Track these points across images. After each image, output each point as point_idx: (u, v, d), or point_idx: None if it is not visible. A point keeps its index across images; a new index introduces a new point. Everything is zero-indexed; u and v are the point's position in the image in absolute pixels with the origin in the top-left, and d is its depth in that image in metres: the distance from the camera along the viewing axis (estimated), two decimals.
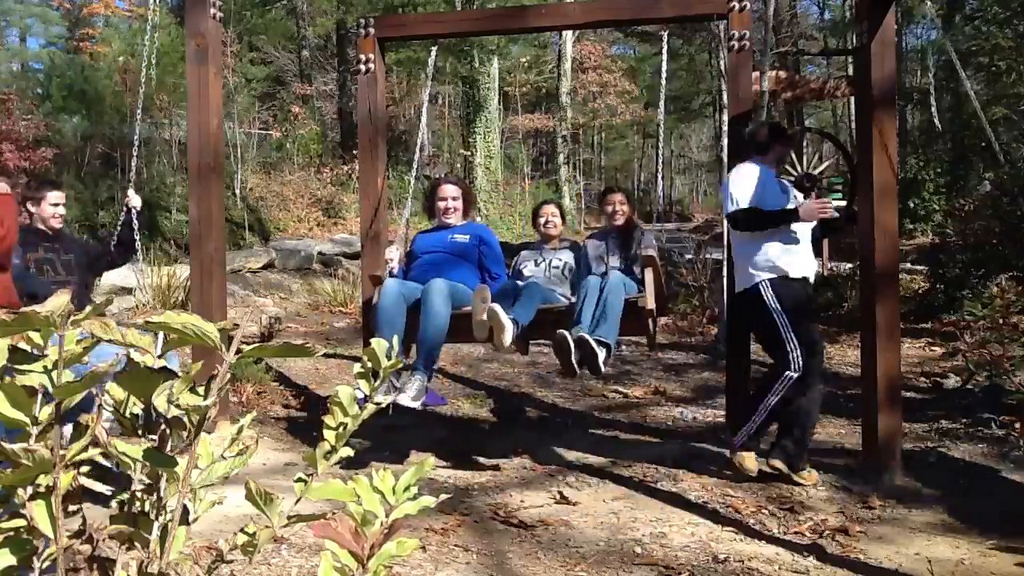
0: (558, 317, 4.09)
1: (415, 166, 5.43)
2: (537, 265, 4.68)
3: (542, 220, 4.84)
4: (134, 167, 4.91)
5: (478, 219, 4.63)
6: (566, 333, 3.88)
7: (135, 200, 4.56)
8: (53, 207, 4.25)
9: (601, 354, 3.85)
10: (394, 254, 4.55)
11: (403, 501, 1.11)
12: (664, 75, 5.07)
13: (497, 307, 3.84)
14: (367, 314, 4.64)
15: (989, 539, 3.29)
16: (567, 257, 4.69)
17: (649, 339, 4.29)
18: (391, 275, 4.39)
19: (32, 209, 4.23)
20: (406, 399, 3.85)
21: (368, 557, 1.01)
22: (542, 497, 3.82)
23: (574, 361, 3.85)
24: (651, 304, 3.98)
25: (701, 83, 26.39)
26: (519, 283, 4.35)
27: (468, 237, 4.56)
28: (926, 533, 3.38)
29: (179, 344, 1.04)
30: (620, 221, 4.71)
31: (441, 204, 4.67)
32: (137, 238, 4.53)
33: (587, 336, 3.84)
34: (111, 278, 7.86)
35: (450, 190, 4.70)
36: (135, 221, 4.50)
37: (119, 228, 4.61)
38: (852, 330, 7.44)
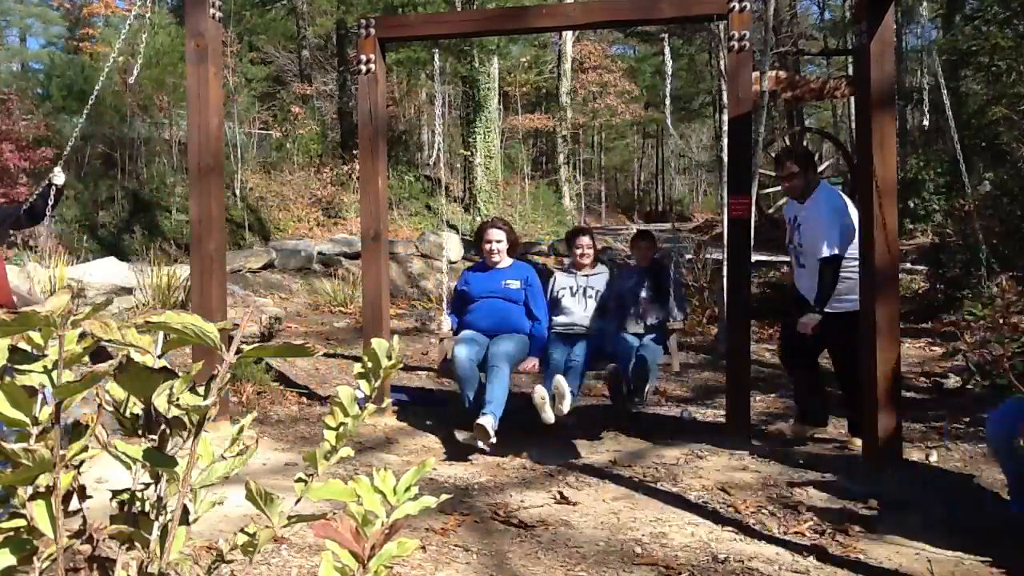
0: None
1: (433, 167, 5.48)
2: (574, 295, 5.17)
3: (578, 252, 5.28)
4: (70, 147, 4.94)
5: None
6: (618, 368, 4.73)
7: (59, 177, 4.53)
8: None
9: (646, 387, 4.66)
10: (447, 324, 5.10)
11: (404, 501, 1.11)
12: (669, 77, 5.09)
13: (564, 383, 4.43)
14: (446, 372, 5.09)
15: (989, 539, 3.29)
16: (599, 284, 5.20)
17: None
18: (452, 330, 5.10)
19: None
20: (488, 422, 4.38)
21: (369, 557, 1.01)
22: (542, 497, 3.82)
23: (624, 391, 4.78)
24: (675, 368, 5.00)
25: (701, 83, 26.40)
26: (568, 355, 4.85)
27: (519, 283, 5.04)
28: (926, 533, 3.38)
29: (179, 344, 1.04)
30: (645, 264, 5.25)
31: (487, 247, 5.12)
32: (49, 213, 4.49)
33: (631, 376, 4.65)
34: (111, 278, 7.87)
35: (495, 234, 5.13)
36: (51, 197, 4.46)
37: (35, 196, 4.57)
38: None
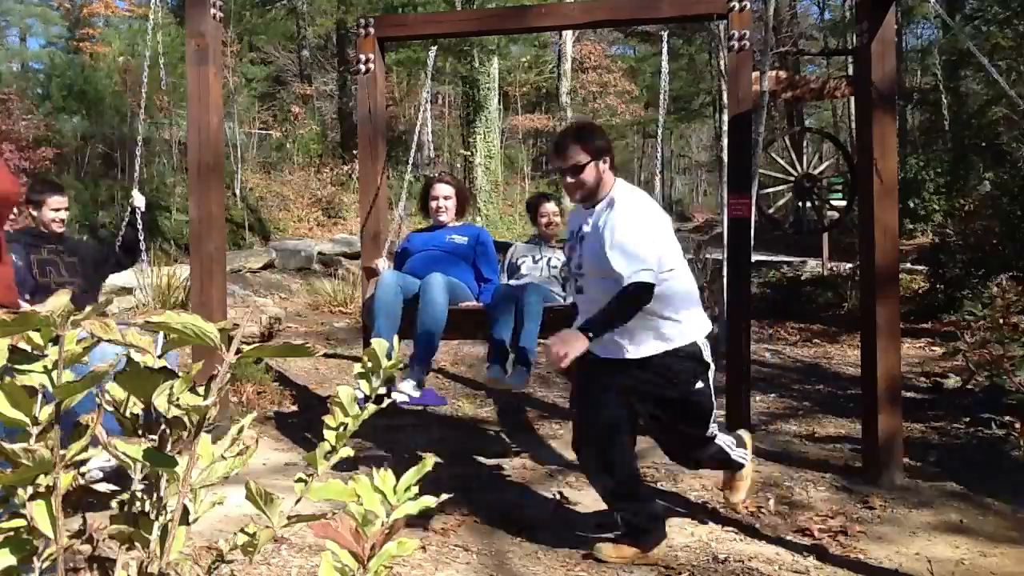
0: (558, 316, 3.94)
1: (410, 165, 5.49)
2: (535, 262, 4.64)
3: (544, 220, 4.78)
4: (137, 167, 4.70)
5: (478, 220, 4.66)
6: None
7: (139, 200, 4.44)
8: (54, 212, 4.17)
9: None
10: (383, 264, 4.49)
11: (404, 501, 1.11)
12: (665, 76, 5.05)
13: (499, 379, 3.79)
14: (366, 311, 4.50)
15: (989, 539, 3.29)
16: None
17: None
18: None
19: (33, 212, 4.18)
20: (407, 388, 3.77)
21: (369, 557, 1.01)
22: (542, 497, 3.82)
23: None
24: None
25: (701, 83, 26.36)
26: (513, 285, 4.27)
27: (467, 238, 4.49)
28: (926, 533, 3.38)
29: (179, 344, 1.04)
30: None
31: (433, 204, 4.60)
32: (142, 239, 4.43)
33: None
34: (111, 278, 7.87)
35: (442, 189, 4.61)
36: (140, 222, 4.39)
37: (123, 230, 4.49)
38: (852, 330, 7.43)
